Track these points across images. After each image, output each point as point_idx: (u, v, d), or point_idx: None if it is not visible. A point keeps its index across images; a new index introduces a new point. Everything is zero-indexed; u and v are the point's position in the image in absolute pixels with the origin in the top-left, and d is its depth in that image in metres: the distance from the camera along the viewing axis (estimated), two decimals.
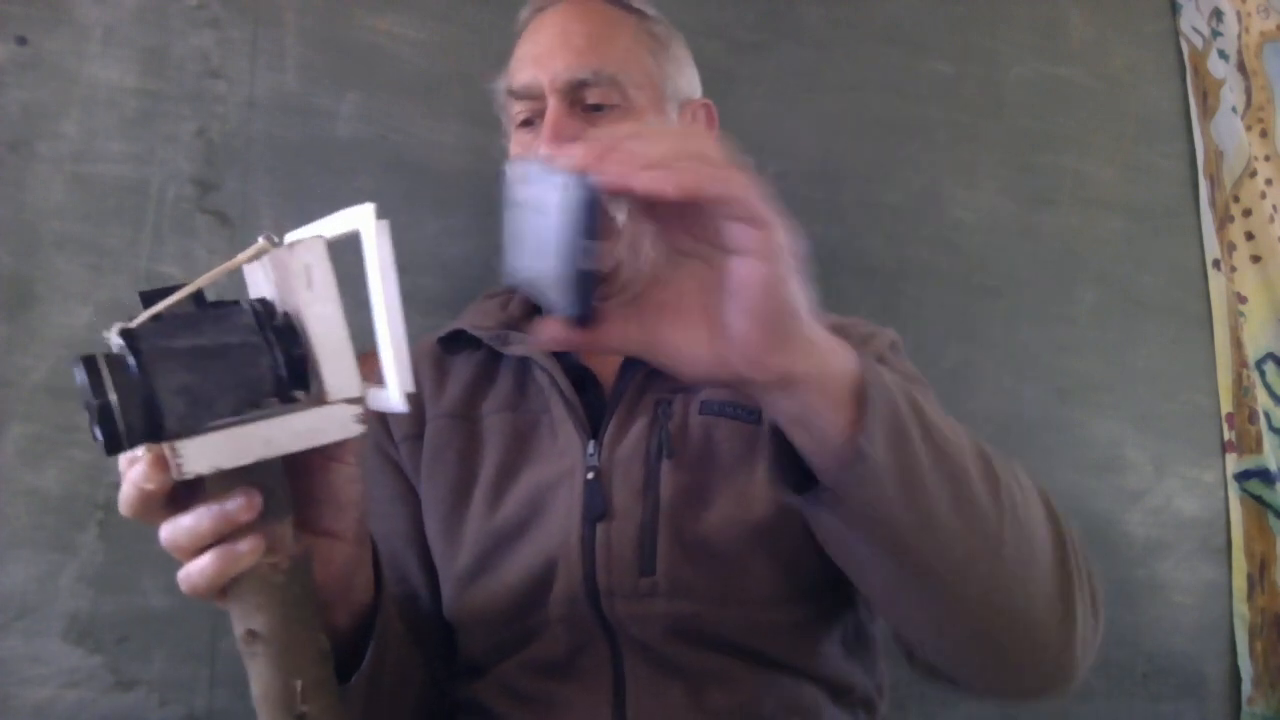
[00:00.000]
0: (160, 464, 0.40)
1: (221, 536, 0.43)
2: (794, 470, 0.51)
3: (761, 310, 0.42)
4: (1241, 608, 1.26)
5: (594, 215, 0.38)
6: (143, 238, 0.91)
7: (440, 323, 0.94)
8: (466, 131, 0.88)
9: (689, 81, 0.83)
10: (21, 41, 0.90)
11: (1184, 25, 1.38)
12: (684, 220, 0.43)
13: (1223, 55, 1.37)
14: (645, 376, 0.73)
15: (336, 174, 0.97)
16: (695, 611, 0.67)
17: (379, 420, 0.78)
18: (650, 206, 0.43)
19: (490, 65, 0.99)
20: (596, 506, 0.69)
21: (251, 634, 0.43)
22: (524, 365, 0.77)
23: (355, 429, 0.42)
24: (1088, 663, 0.57)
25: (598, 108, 0.75)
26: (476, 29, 0.83)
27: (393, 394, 0.42)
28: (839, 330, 0.52)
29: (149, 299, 0.41)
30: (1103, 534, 1.22)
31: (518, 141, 0.79)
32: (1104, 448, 1.24)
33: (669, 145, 0.40)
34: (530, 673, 0.70)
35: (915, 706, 1.09)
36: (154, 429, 0.39)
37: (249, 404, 0.41)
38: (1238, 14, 1.39)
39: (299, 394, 0.42)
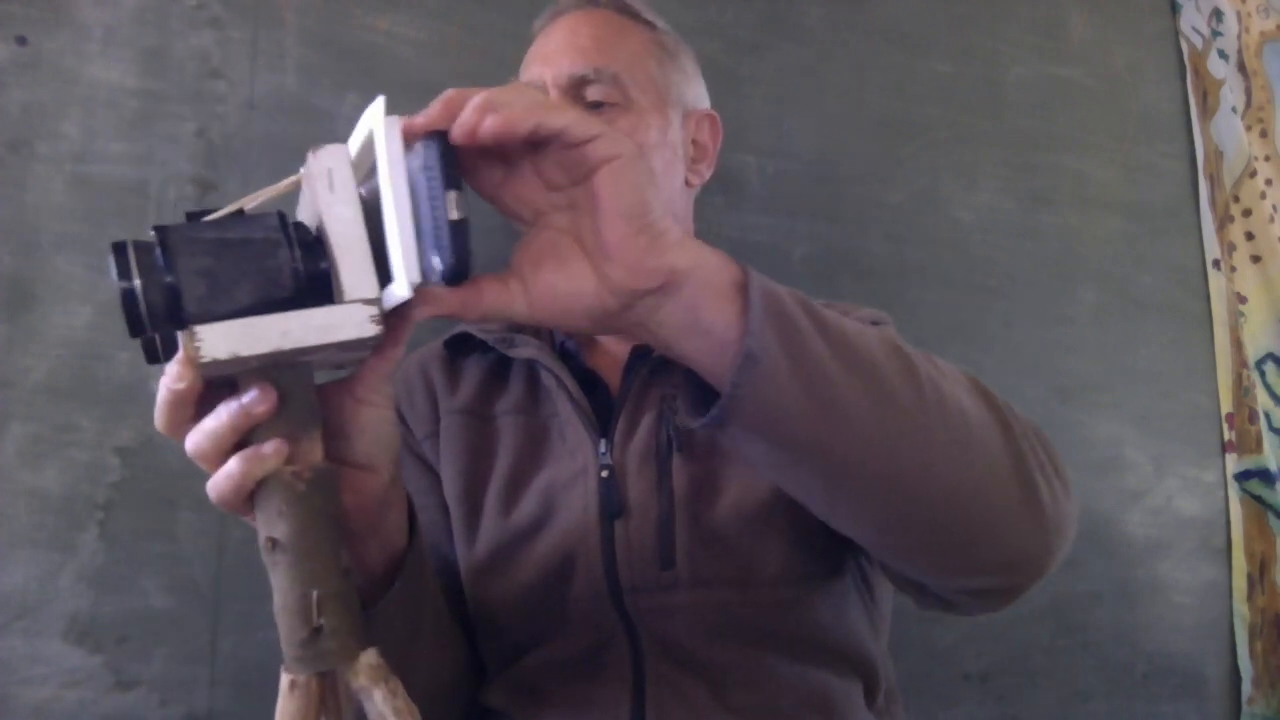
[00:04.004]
0: (189, 362, 0.41)
1: (241, 435, 0.44)
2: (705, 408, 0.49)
3: (628, 204, 0.44)
4: (1241, 608, 1.26)
5: (452, 165, 0.42)
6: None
7: (440, 322, 0.94)
8: None
9: (696, 94, 0.85)
10: (21, 41, 0.90)
11: (1184, 25, 1.38)
12: (537, 177, 0.47)
13: (1223, 55, 1.37)
14: (649, 372, 0.74)
15: None
16: (716, 600, 0.68)
17: (401, 421, 0.79)
18: (503, 182, 0.48)
19: (489, 65, 0.99)
20: (613, 504, 0.70)
21: (273, 542, 0.44)
22: (532, 369, 0.78)
23: (371, 329, 0.43)
24: (1067, 537, 0.55)
25: (598, 105, 0.76)
26: (476, 29, 0.83)
27: (399, 286, 0.43)
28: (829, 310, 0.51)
29: (192, 218, 0.44)
30: (1103, 534, 1.22)
31: None
32: (1104, 448, 1.24)
33: (502, 96, 0.43)
34: (551, 671, 0.70)
35: (914, 704, 1.09)
36: (174, 312, 0.41)
37: (268, 296, 0.42)
38: (1238, 14, 1.38)
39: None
